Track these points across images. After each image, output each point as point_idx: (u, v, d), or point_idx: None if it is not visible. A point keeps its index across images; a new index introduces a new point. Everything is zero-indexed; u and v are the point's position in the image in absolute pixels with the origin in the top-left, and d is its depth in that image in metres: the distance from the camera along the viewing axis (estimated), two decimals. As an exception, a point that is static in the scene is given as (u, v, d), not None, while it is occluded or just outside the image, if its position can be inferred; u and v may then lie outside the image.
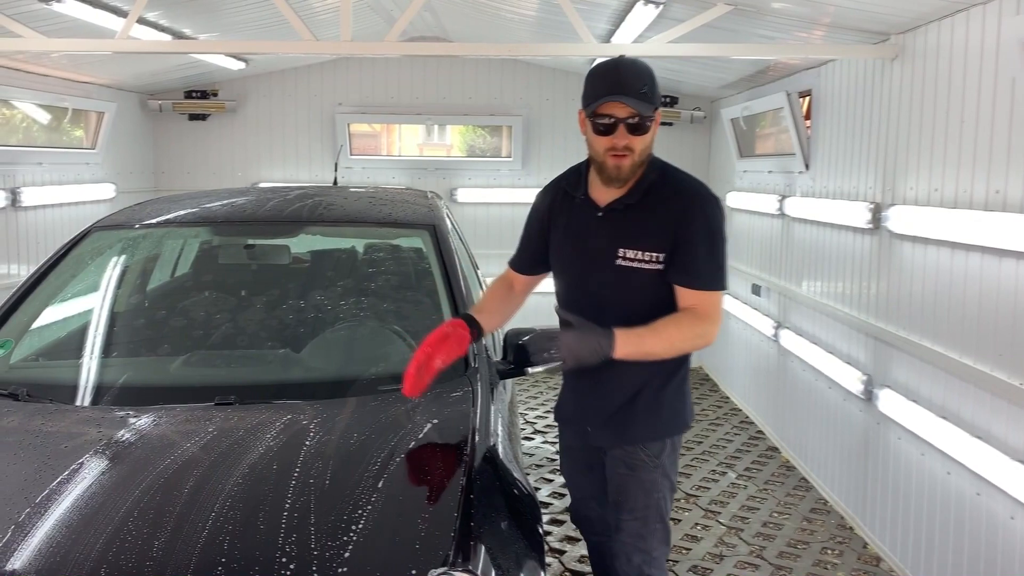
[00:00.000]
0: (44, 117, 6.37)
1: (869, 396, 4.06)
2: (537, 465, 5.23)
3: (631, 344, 2.31)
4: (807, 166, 5.01)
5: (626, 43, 4.68)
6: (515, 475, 2.29)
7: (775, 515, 4.53)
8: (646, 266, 2.38)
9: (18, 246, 5.36)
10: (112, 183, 6.53)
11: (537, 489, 4.82)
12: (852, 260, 4.36)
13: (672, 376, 2.51)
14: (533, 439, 5.69)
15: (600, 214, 2.44)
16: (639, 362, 2.38)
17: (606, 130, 2.31)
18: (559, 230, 2.55)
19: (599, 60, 2.44)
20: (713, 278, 2.40)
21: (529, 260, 2.70)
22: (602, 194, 2.45)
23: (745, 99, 6.06)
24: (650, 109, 2.30)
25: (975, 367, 3.17)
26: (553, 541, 4.17)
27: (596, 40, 4.24)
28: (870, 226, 4.04)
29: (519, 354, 2.85)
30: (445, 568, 1.73)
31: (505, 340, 2.90)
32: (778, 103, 5.29)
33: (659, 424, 2.51)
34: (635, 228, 2.40)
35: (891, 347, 3.89)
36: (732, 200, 6.40)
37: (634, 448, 2.51)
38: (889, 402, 3.84)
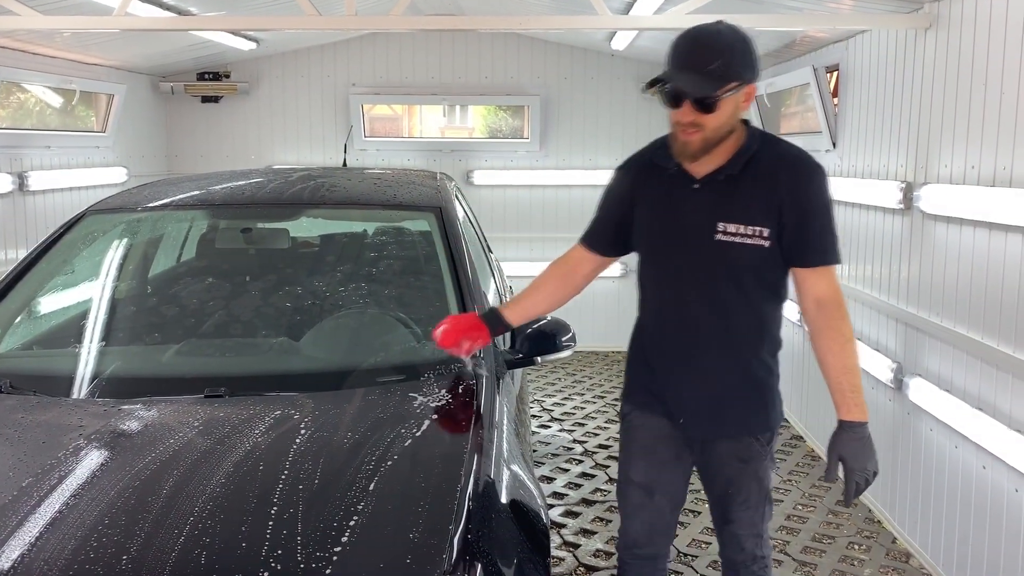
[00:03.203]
0: (54, 100, 6.28)
1: (899, 385, 3.88)
2: (553, 454, 5.09)
3: (855, 397, 2.33)
4: (834, 144, 4.81)
5: (645, 15, 4.48)
6: (521, 476, 2.15)
7: (799, 508, 4.37)
8: (748, 241, 2.21)
9: (26, 231, 5.27)
10: (124, 167, 6.44)
11: (551, 480, 4.68)
12: (881, 242, 4.17)
13: (776, 366, 2.44)
14: (550, 427, 5.55)
15: (697, 186, 2.25)
16: (735, 349, 2.32)
17: (672, 102, 2.16)
18: (647, 205, 2.34)
19: (696, 25, 2.21)
20: (833, 251, 2.27)
21: (606, 239, 2.47)
22: (699, 165, 2.24)
23: (769, 75, 5.84)
24: (713, 88, 2.10)
25: (1014, 356, 2.99)
26: (568, 534, 4.03)
27: (612, 13, 4.05)
28: (901, 206, 3.85)
29: (529, 343, 2.72)
30: (439, 581, 1.59)
31: (514, 328, 2.76)
32: (804, 79, 5.08)
33: (773, 413, 2.43)
34: (737, 200, 2.22)
35: (923, 334, 3.70)
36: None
37: (750, 440, 2.40)
38: (920, 392, 3.66)
